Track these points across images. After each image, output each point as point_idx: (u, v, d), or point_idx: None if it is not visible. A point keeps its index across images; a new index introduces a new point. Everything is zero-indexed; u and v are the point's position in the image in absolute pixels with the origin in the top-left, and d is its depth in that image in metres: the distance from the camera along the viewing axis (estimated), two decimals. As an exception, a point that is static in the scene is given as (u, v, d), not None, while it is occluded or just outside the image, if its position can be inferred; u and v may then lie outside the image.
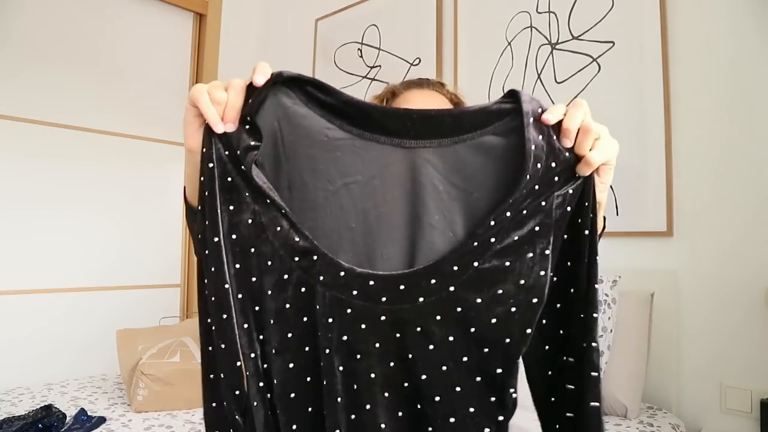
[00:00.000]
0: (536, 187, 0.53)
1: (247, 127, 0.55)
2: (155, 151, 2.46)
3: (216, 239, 0.54)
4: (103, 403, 1.56)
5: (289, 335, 0.57)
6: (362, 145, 0.58)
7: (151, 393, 1.47)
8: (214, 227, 0.54)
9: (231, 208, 0.55)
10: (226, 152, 0.55)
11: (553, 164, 0.53)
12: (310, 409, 0.57)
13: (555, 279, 0.55)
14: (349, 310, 0.56)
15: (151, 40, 2.47)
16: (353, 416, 0.57)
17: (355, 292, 0.55)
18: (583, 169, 0.54)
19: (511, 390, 0.56)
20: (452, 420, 0.56)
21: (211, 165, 0.54)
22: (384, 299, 0.55)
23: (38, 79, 2.11)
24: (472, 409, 0.56)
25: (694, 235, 1.50)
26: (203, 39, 2.61)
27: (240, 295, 0.56)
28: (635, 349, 1.44)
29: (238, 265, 0.55)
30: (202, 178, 0.54)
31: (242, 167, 0.54)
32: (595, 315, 0.54)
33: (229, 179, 0.55)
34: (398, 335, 0.56)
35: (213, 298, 0.54)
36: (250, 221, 0.55)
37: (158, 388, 1.47)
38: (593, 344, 0.54)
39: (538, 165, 0.53)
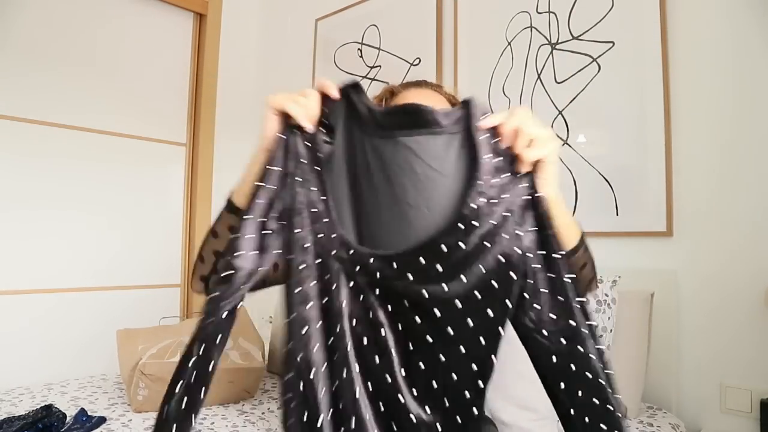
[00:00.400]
0: (494, 179, 0.63)
1: (323, 129, 0.69)
2: (155, 151, 2.46)
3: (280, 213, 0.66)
4: (103, 403, 1.56)
5: (309, 304, 0.65)
6: (372, 142, 0.69)
7: (151, 393, 1.47)
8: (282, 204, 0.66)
9: (298, 184, 0.66)
10: (305, 145, 0.67)
11: (502, 163, 0.64)
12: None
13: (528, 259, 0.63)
14: (351, 283, 0.65)
15: (151, 40, 2.47)
16: (345, 375, 0.64)
17: (357, 268, 0.65)
18: (519, 167, 0.63)
19: (493, 358, 0.62)
20: (435, 386, 0.63)
21: (283, 151, 0.67)
22: (378, 275, 0.64)
23: (38, 79, 2.11)
24: (455, 377, 0.63)
25: (694, 235, 1.50)
26: (203, 39, 2.61)
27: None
28: (635, 349, 1.44)
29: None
30: (272, 166, 0.66)
31: (316, 160, 0.67)
32: (565, 299, 0.61)
33: (302, 167, 0.67)
34: (390, 307, 0.65)
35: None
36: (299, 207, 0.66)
37: (158, 388, 1.47)
38: (579, 327, 0.61)
39: (489, 160, 0.63)
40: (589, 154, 1.68)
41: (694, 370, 1.48)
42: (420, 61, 2.13)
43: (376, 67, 2.28)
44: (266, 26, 2.82)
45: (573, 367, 0.62)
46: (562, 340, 0.62)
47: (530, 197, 0.63)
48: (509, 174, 0.64)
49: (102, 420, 1.39)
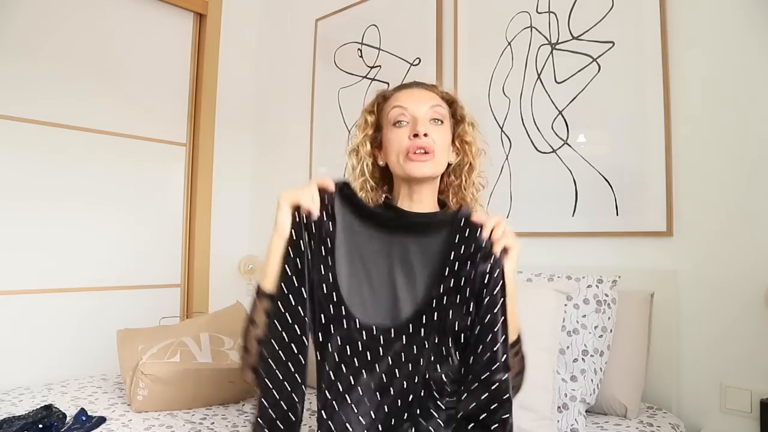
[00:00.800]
0: (467, 264, 0.85)
1: (325, 217, 0.88)
2: (155, 151, 2.46)
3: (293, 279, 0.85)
4: (103, 403, 1.56)
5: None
6: (371, 234, 0.90)
7: (151, 393, 1.47)
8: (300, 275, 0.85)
9: (309, 262, 0.86)
10: (314, 231, 0.87)
11: (475, 248, 0.86)
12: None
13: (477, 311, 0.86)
14: (360, 346, 0.84)
15: (151, 40, 2.47)
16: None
17: (364, 335, 0.84)
18: (494, 249, 0.87)
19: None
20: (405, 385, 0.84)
21: (302, 235, 0.86)
22: (382, 341, 0.84)
23: (37, 79, 2.10)
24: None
25: (694, 235, 1.50)
26: (203, 39, 2.61)
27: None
28: (635, 349, 1.44)
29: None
30: (290, 249, 0.86)
31: (323, 241, 0.87)
32: (495, 352, 0.83)
33: (311, 247, 0.86)
34: (390, 363, 0.85)
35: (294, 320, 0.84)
36: (311, 272, 0.86)
37: (158, 388, 1.47)
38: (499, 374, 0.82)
39: (463, 248, 0.86)
40: (589, 154, 1.68)
41: (694, 371, 1.48)
42: (420, 61, 2.13)
43: (376, 67, 2.28)
44: (266, 26, 2.82)
45: None
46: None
47: (492, 272, 0.85)
48: (479, 256, 0.86)
49: (102, 420, 1.39)
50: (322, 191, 0.88)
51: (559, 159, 1.74)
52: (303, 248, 0.85)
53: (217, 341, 1.63)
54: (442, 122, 0.99)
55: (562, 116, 1.73)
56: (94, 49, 2.27)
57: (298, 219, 0.86)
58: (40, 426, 1.31)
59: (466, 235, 0.87)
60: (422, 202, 1.01)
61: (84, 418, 1.37)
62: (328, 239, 0.87)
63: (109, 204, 2.30)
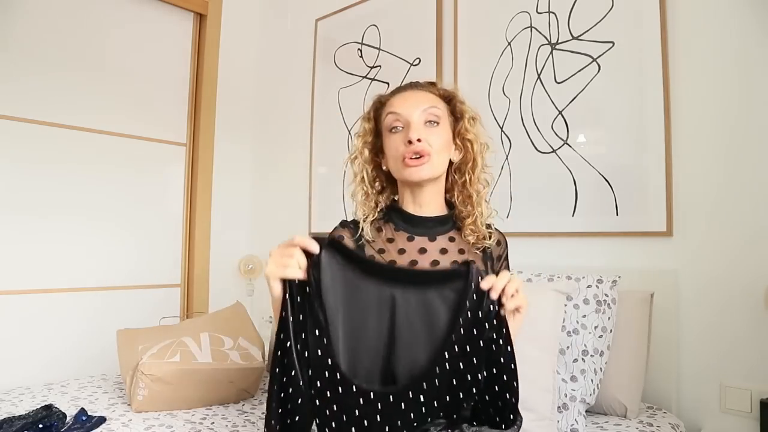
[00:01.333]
0: (473, 330, 0.81)
1: (315, 278, 0.83)
2: (155, 151, 2.46)
3: (289, 344, 0.81)
4: (103, 403, 1.56)
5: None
6: (368, 286, 0.85)
7: (151, 393, 1.47)
8: (288, 336, 0.81)
9: (300, 322, 0.82)
10: (303, 292, 0.82)
11: (481, 312, 0.82)
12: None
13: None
14: (357, 412, 0.80)
15: (152, 41, 2.47)
16: None
17: (361, 401, 0.80)
18: (507, 306, 0.82)
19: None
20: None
21: (291, 299, 0.82)
22: (379, 407, 0.80)
23: (38, 79, 2.11)
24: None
25: (694, 235, 1.50)
26: (203, 39, 2.61)
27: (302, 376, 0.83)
28: (635, 349, 1.44)
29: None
30: (283, 313, 0.81)
31: (315, 303, 0.82)
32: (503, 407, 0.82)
33: (301, 308, 0.82)
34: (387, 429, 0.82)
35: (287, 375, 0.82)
36: (307, 336, 0.82)
37: (158, 388, 1.47)
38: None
39: (470, 314, 0.81)
40: (589, 154, 1.68)
41: (694, 370, 1.48)
42: (420, 61, 2.13)
43: (376, 67, 2.28)
44: (266, 26, 2.82)
45: None
46: None
47: (500, 337, 0.82)
48: (486, 323, 0.82)
49: (102, 420, 1.39)
50: (308, 253, 0.83)
51: (559, 159, 1.74)
52: (296, 314, 0.81)
53: (217, 341, 1.63)
54: (437, 123, 0.99)
55: (562, 116, 1.73)
56: (94, 50, 2.27)
57: (289, 288, 0.82)
58: (40, 426, 1.31)
59: (474, 298, 0.82)
60: (428, 205, 1.02)
61: (84, 418, 1.37)
62: (321, 299, 0.82)
63: (109, 204, 2.30)
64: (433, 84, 1.06)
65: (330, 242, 0.85)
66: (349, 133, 2.31)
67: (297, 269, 0.80)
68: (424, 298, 0.84)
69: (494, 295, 0.82)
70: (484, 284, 0.82)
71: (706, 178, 1.49)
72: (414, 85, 1.05)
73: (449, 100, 1.04)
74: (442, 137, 0.99)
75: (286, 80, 2.68)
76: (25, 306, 2.05)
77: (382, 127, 1.02)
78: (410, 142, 0.95)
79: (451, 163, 1.03)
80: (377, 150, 1.06)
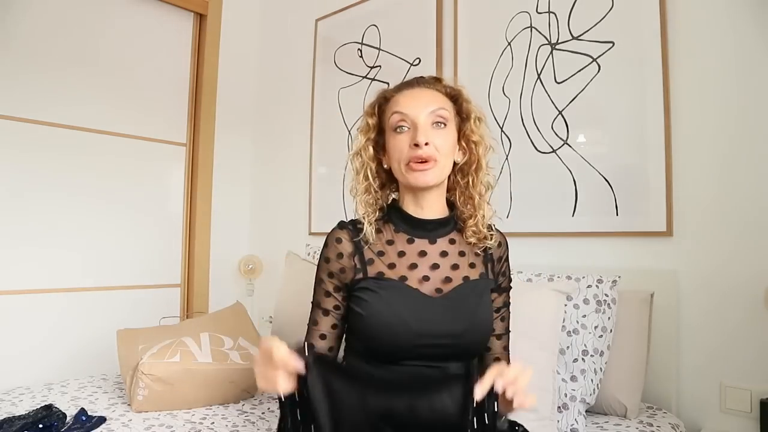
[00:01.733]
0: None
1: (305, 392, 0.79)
2: (155, 151, 2.46)
3: None
4: (103, 403, 1.56)
5: None
6: (366, 399, 0.80)
7: (151, 393, 1.47)
8: None
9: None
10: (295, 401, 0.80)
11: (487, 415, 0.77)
12: None
13: None
14: None
15: (151, 40, 2.47)
16: None
17: None
18: (517, 402, 0.77)
19: None
20: None
21: (293, 417, 0.80)
22: None
23: (38, 79, 2.11)
24: None
25: (694, 235, 1.50)
26: (203, 39, 2.61)
27: None
28: (635, 349, 1.44)
29: None
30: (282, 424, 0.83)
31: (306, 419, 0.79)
32: None
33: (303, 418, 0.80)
34: None
35: None
36: None
37: (158, 388, 1.47)
38: None
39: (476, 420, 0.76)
40: (589, 154, 1.68)
41: (694, 370, 1.48)
42: (420, 61, 2.13)
43: (376, 67, 2.28)
44: (266, 26, 2.82)
45: None
46: None
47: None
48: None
49: (102, 420, 1.39)
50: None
51: (559, 159, 1.74)
52: (297, 425, 0.79)
53: (217, 341, 1.63)
54: (444, 125, 0.97)
55: (562, 116, 1.73)
56: (94, 49, 2.27)
57: (284, 404, 0.80)
58: (40, 426, 1.31)
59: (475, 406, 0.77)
60: (430, 207, 1.00)
61: (84, 418, 1.37)
62: (316, 420, 0.78)
63: (109, 204, 2.30)
64: (438, 80, 1.03)
65: (317, 359, 0.80)
66: (349, 133, 2.31)
67: (286, 384, 0.77)
68: (418, 407, 0.78)
69: (504, 388, 0.76)
70: (498, 385, 0.76)
71: (705, 178, 1.49)
72: (420, 82, 1.02)
73: (455, 99, 1.01)
74: (449, 140, 0.97)
75: (286, 80, 2.68)
76: (25, 306, 2.05)
77: (386, 124, 1.00)
78: (417, 145, 0.93)
79: (454, 163, 1.01)
80: (379, 147, 1.04)
